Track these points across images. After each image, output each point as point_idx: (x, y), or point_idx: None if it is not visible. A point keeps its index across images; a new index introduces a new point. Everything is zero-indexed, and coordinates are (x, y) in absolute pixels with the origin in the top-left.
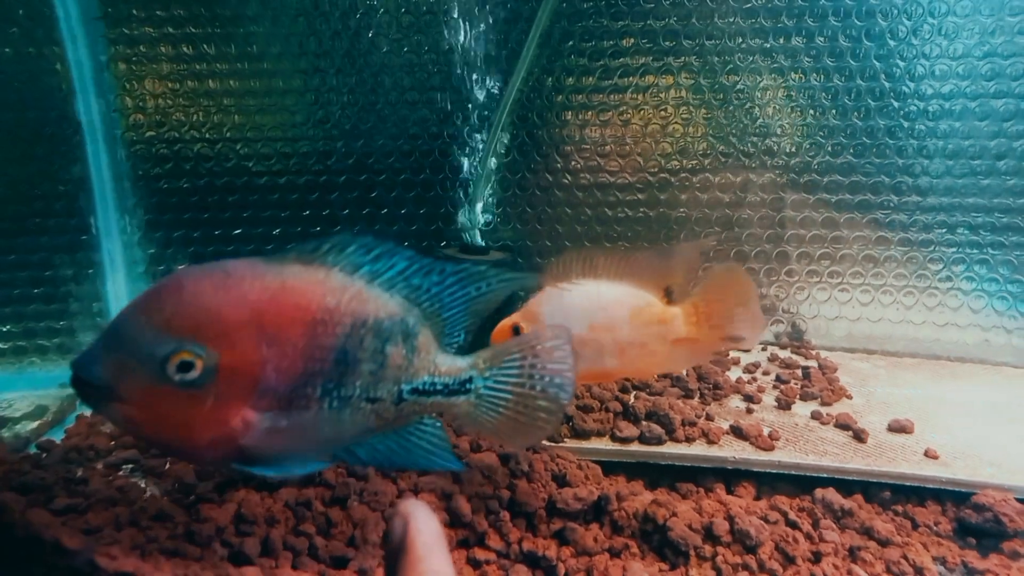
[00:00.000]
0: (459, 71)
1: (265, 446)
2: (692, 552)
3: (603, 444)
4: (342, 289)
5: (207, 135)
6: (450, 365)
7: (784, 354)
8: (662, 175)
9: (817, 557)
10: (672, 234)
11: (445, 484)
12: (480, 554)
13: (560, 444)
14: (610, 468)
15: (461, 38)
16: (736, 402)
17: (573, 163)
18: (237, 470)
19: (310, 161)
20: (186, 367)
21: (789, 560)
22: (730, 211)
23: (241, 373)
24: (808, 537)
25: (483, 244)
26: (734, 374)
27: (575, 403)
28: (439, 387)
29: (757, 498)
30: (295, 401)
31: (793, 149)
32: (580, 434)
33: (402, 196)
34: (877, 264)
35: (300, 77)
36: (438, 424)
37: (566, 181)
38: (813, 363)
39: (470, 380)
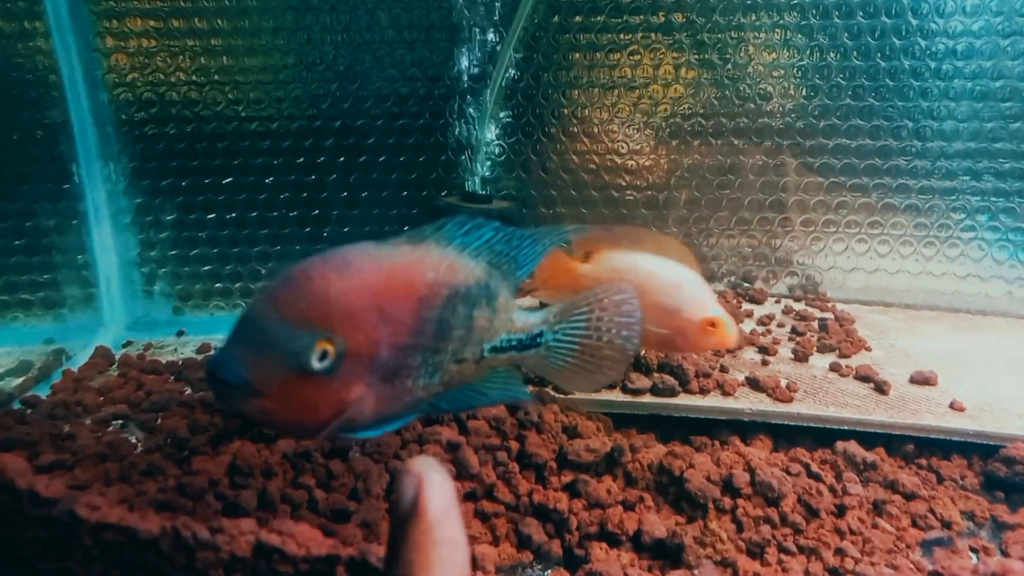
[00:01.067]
0: (460, 5)
1: (371, 413)
2: (711, 505)
3: (614, 396)
4: (440, 263)
5: (194, 77)
6: (524, 322)
7: (799, 306)
8: (673, 120)
9: (841, 510)
10: (683, 182)
11: (451, 435)
12: (488, 507)
13: (570, 396)
14: (621, 421)
15: None
16: (751, 354)
17: (580, 108)
18: (344, 437)
19: (303, 105)
20: (323, 355)
21: (813, 513)
22: (744, 158)
23: (365, 353)
24: (832, 490)
25: (485, 192)
26: (748, 326)
27: None
28: (514, 343)
29: (775, 451)
30: (400, 371)
31: (812, 92)
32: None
33: (400, 143)
34: (897, 213)
35: (291, 15)
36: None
37: (573, 128)
38: (829, 315)
39: (540, 335)
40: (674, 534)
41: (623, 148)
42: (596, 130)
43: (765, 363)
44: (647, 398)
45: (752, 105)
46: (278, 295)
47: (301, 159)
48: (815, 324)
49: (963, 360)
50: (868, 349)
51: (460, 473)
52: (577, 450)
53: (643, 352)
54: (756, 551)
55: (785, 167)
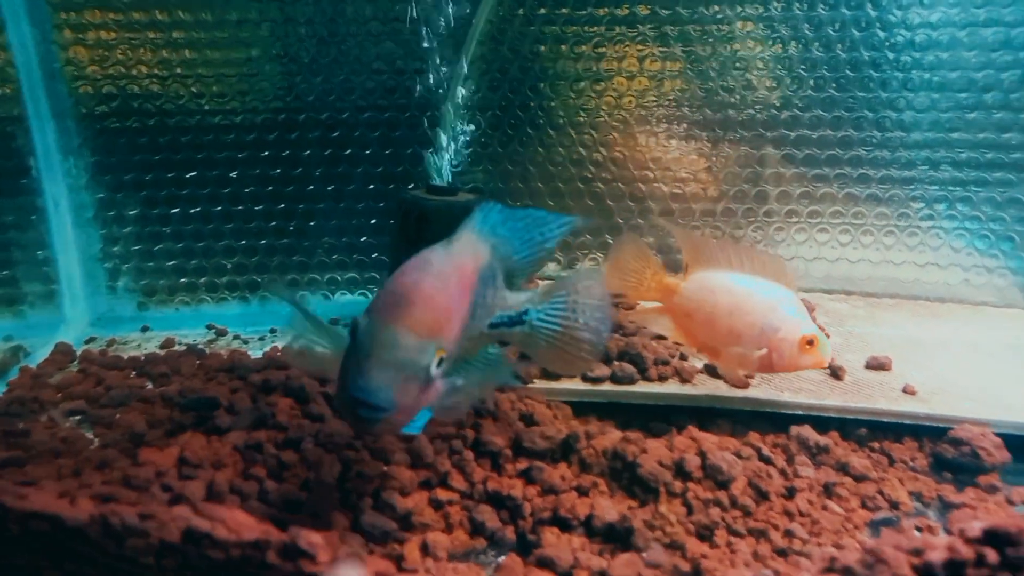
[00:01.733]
0: None
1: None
2: (662, 488)
3: (574, 384)
4: (476, 252)
5: (156, 70)
6: (514, 299)
7: None
8: (639, 112)
9: (791, 493)
10: (649, 176)
11: None
12: (443, 494)
13: (530, 385)
14: (581, 409)
15: None
16: None
17: (546, 100)
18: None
19: (267, 99)
20: (440, 361)
21: (762, 496)
22: (709, 146)
23: (450, 349)
24: (782, 473)
25: (452, 185)
26: None
27: None
28: (505, 320)
29: (732, 436)
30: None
31: (773, 84)
32: (550, 375)
33: (366, 135)
34: (858, 203)
35: (255, 8)
36: (498, 349)
37: (539, 120)
38: None
39: (527, 312)
40: (624, 518)
41: (589, 140)
42: (562, 122)
43: None
44: (606, 386)
45: (717, 97)
46: (402, 314)
47: (266, 153)
48: None
49: (919, 346)
50: (826, 336)
51: (415, 462)
52: (532, 437)
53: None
54: (705, 533)
55: (749, 158)
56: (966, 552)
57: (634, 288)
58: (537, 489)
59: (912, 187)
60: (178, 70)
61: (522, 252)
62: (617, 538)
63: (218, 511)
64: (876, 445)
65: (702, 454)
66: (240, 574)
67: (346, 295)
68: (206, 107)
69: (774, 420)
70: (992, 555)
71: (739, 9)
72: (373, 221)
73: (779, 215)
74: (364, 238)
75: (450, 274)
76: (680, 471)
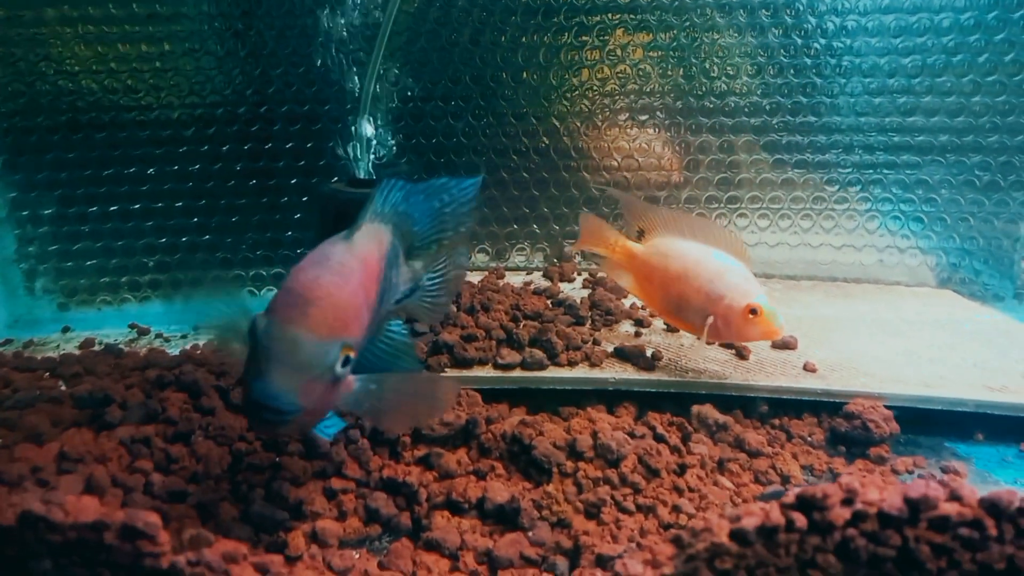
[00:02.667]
0: None
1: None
2: (555, 469)
3: (484, 372)
4: (379, 239)
5: (66, 67)
6: (413, 270)
7: None
8: (561, 105)
9: (682, 469)
10: (572, 165)
11: None
12: (337, 484)
13: (441, 374)
14: (493, 396)
15: None
16: (627, 327)
17: (468, 91)
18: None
19: (183, 93)
20: (346, 360)
21: (652, 472)
22: (632, 135)
23: (358, 344)
24: (676, 450)
25: (373, 177)
26: (629, 301)
27: (459, 333)
28: (407, 293)
29: (638, 418)
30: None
31: (691, 72)
32: (461, 363)
33: (286, 129)
34: (775, 188)
35: (167, 2)
36: (404, 331)
37: (461, 109)
38: None
39: (420, 280)
40: (513, 499)
41: (511, 130)
42: (483, 112)
43: (638, 335)
44: (516, 372)
45: (637, 87)
46: (302, 314)
47: (183, 149)
48: None
49: (827, 325)
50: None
51: (309, 453)
52: (431, 424)
53: (517, 329)
54: (593, 511)
55: (668, 145)
56: (776, 518)
57: (608, 253)
58: (434, 475)
59: (826, 171)
60: (90, 66)
61: (423, 223)
62: (506, 519)
63: (57, 495)
64: (777, 421)
65: (595, 435)
66: (81, 558)
67: (272, 290)
68: (120, 103)
69: (678, 400)
70: (800, 519)
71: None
72: (297, 216)
73: (699, 202)
74: (289, 233)
75: (353, 267)
76: (573, 452)
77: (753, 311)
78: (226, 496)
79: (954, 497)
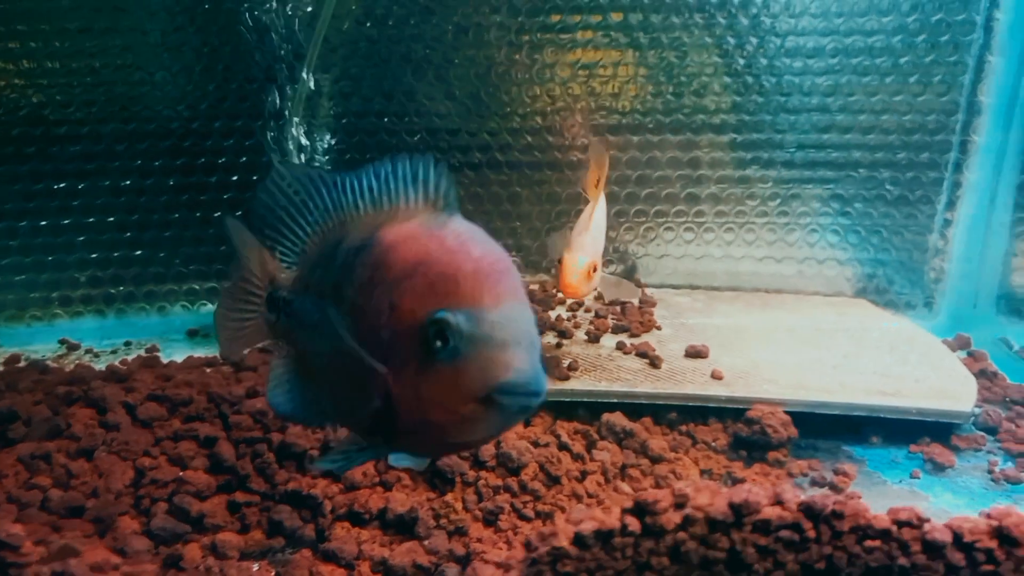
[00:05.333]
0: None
1: None
2: (458, 478)
3: None
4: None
5: None
6: None
7: None
8: (493, 121)
9: (584, 476)
10: (506, 180)
11: (210, 430)
12: (241, 497)
13: None
14: None
15: None
16: (549, 338)
17: (400, 107)
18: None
19: (114, 108)
20: None
21: (553, 480)
22: (562, 149)
23: None
24: (579, 458)
25: None
26: (555, 312)
27: None
28: None
29: (551, 427)
30: None
31: (616, 89)
32: None
33: (220, 144)
34: (699, 202)
35: (97, 17)
36: None
37: (395, 125)
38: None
39: None
40: (412, 509)
41: (444, 145)
42: (417, 128)
43: (559, 345)
44: None
45: (565, 102)
46: (510, 289)
47: (116, 164)
48: (618, 308)
49: (743, 334)
50: (659, 328)
51: (214, 467)
52: (337, 436)
53: None
54: (491, 518)
55: (599, 160)
56: (612, 522)
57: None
58: (340, 487)
59: (747, 186)
60: (17, 81)
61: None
62: (405, 528)
63: None
64: (684, 428)
65: (498, 444)
66: None
67: (206, 305)
68: (51, 117)
69: (591, 408)
70: (634, 524)
71: (584, 18)
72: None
73: (628, 215)
74: (223, 247)
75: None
76: (476, 461)
77: (559, 260)
78: (127, 510)
79: (778, 502)
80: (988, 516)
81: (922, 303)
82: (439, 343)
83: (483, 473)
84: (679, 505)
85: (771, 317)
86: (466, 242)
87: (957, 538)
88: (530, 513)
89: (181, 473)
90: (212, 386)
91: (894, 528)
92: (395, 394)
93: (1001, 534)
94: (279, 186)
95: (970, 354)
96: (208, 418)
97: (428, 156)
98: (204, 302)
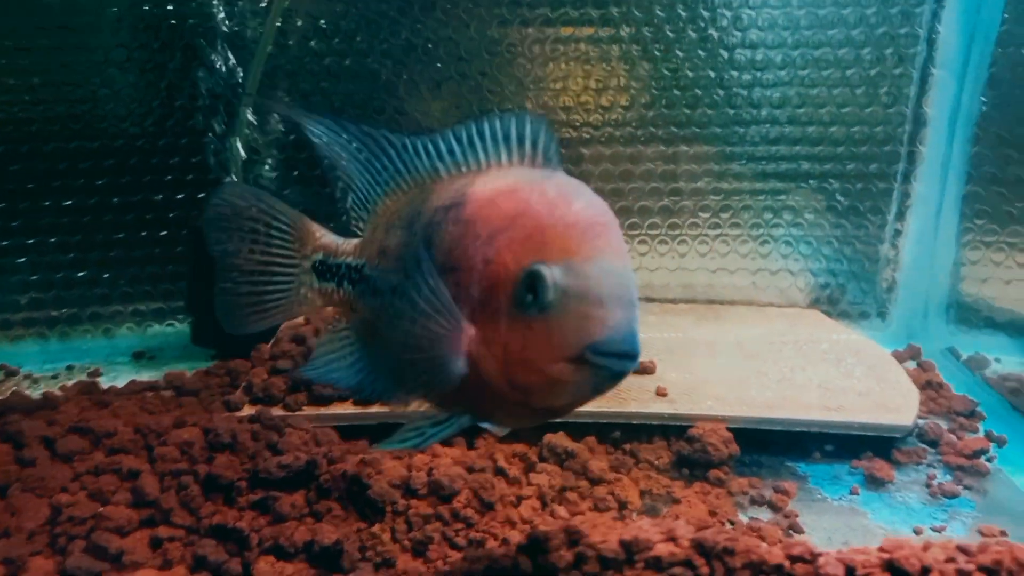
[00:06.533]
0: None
1: None
2: (389, 508)
3: (344, 409)
4: None
5: None
6: None
7: None
8: (449, 113)
9: (519, 500)
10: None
11: (134, 462)
12: (164, 532)
13: (297, 412)
14: (353, 433)
15: None
16: None
17: (362, 100)
18: None
19: (55, 127)
20: None
21: (487, 506)
22: None
23: None
24: (515, 482)
25: None
26: None
27: None
28: None
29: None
30: None
31: (568, 102)
32: (320, 400)
33: (165, 162)
34: (652, 215)
35: (42, 35)
36: None
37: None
38: None
39: None
40: (338, 541)
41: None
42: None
43: None
44: (376, 408)
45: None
46: (610, 245)
47: (57, 183)
48: None
49: (692, 348)
50: None
51: (136, 501)
52: (269, 468)
53: None
54: (420, 548)
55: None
56: (504, 563)
57: None
58: (268, 519)
59: (700, 198)
60: None
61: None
62: (331, 562)
63: None
64: (628, 446)
65: (430, 471)
66: None
67: (153, 326)
68: None
69: (535, 429)
70: (526, 563)
71: (527, 31)
72: (179, 249)
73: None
74: (171, 267)
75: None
76: (408, 489)
77: None
78: (41, 550)
79: (670, 538)
80: (881, 549)
81: (875, 313)
82: (530, 297)
83: (414, 501)
84: (572, 542)
85: (722, 330)
86: (567, 194)
87: (850, 571)
88: (462, 541)
89: (101, 509)
90: (143, 415)
91: (787, 563)
92: (480, 354)
93: (893, 567)
94: (340, 137)
95: (919, 365)
96: (133, 450)
97: (524, 113)
98: (152, 323)
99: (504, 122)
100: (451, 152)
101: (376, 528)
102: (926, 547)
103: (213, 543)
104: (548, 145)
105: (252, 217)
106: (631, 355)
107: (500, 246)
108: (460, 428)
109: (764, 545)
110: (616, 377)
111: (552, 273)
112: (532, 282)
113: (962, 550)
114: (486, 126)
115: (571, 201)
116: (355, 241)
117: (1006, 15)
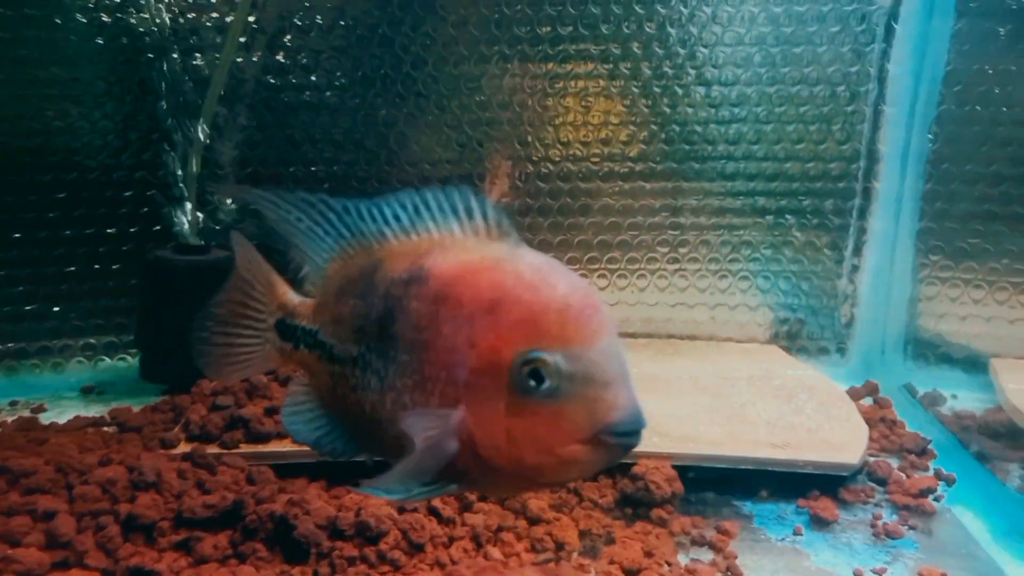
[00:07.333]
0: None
1: None
2: (313, 550)
3: (282, 447)
4: None
5: None
6: None
7: None
8: (390, 168)
9: (451, 542)
10: None
11: (50, 503)
12: (77, 575)
13: (234, 450)
14: (291, 471)
15: None
16: None
17: (302, 155)
18: None
19: (5, 159)
20: None
21: (416, 548)
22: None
23: None
24: (448, 522)
25: (202, 243)
26: None
27: (264, 404)
28: None
29: None
30: None
31: (526, 139)
32: (258, 438)
33: (119, 195)
34: (611, 249)
35: (8, 66)
36: None
37: (301, 173)
38: None
39: None
40: None
41: (353, 194)
42: (322, 176)
43: None
44: None
45: (460, 152)
46: (604, 326)
47: (7, 216)
48: None
49: (645, 383)
50: None
51: (50, 543)
52: (193, 507)
53: None
54: None
55: (507, 210)
56: None
57: None
58: (190, 560)
59: (658, 232)
60: None
61: None
62: None
63: None
64: (572, 485)
65: (357, 511)
66: None
67: (104, 360)
68: None
69: None
70: None
71: (482, 67)
72: (133, 282)
73: None
74: (123, 300)
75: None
76: (335, 530)
77: None
78: None
79: None
80: None
81: (835, 349)
82: (533, 383)
83: (339, 543)
84: None
85: (678, 365)
86: (548, 276)
87: None
88: None
89: (9, 551)
90: (71, 452)
91: None
92: (477, 437)
93: None
94: (279, 208)
95: (876, 401)
96: (52, 489)
97: (466, 189)
98: (103, 357)
99: (448, 195)
100: (397, 218)
101: (297, 571)
102: None
103: None
104: (500, 219)
105: (237, 268)
106: (639, 430)
107: (485, 329)
108: (446, 492)
109: None
110: (628, 450)
111: (555, 360)
112: (534, 368)
113: None
114: (430, 197)
115: (556, 283)
116: (311, 302)
117: (951, 54)
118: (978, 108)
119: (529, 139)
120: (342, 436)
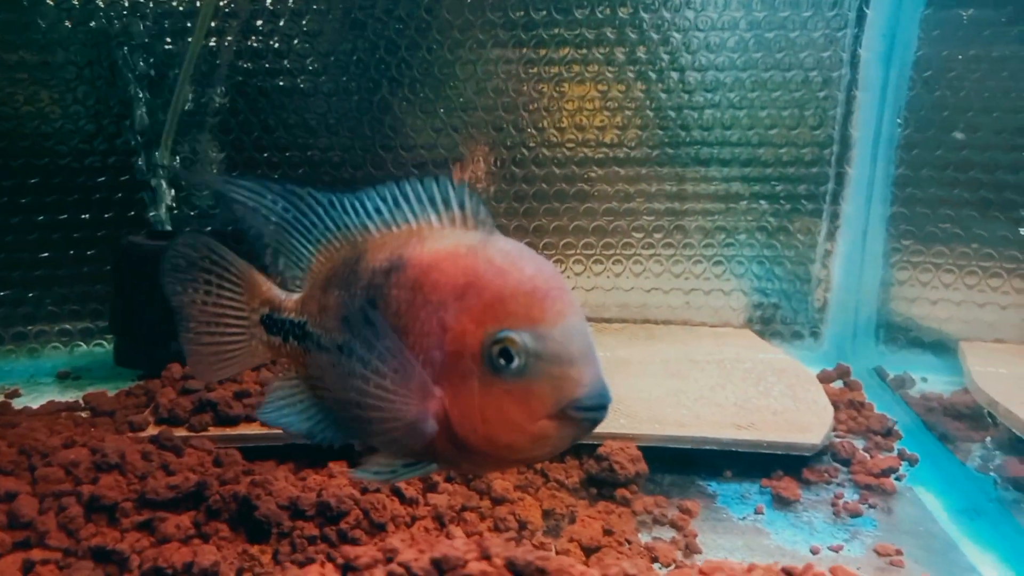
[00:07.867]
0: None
1: None
2: (275, 529)
3: (250, 430)
4: None
5: None
6: None
7: None
8: (365, 153)
9: (413, 521)
10: None
11: (12, 484)
12: (38, 555)
13: (202, 433)
14: (259, 453)
15: None
16: None
17: (283, 140)
18: None
19: None
20: None
21: (377, 527)
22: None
23: None
24: (411, 502)
25: (174, 229)
26: None
27: (234, 388)
28: None
29: None
30: None
31: (502, 126)
32: (226, 421)
33: (91, 180)
34: (587, 234)
35: None
36: None
37: (274, 159)
38: None
39: None
40: (216, 563)
41: (327, 179)
42: (297, 160)
43: None
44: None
45: (444, 138)
46: (570, 305)
47: None
48: None
49: (617, 367)
50: None
51: (11, 523)
52: (156, 488)
53: None
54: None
55: (485, 196)
56: None
57: None
58: (151, 540)
59: (633, 218)
60: None
61: None
62: None
63: None
64: (539, 466)
65: (320, 492)
66: None
67: (81, 346)
68: None
69: None
70: None
71: (458, 53)
72: (108, 268)
73: None
74: (98, 286)
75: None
76: (296, 510)
77: None
78: None
79: (484, 556)
80: (700, 571)
81: (808, 332)
82: (503, 361)
83: (300, 523)
84: (388, 559)
85: (650, 349)
86: (517, 260)
87: None
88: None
89: None
90: (40, 435)
91: None
92: (452, 415)
93: None
94: (260, 205)
95: (846, 384)
96: (16, 472)
97: (444, 178)
98: (79, 343)
99: (427, 185)
100: (378, 211)
101: (256, 550)
102: (750, 569)
103: (90, 565)
104: (477, 207)
105: (205, 268)
106: (606, 405)
107: (457, 312)
108: (428, 471)
109: (578, 567)
110: (594, 425)
111: (522, 339)
112: (503, 348)
113: (787, 572)
114: (408, 188)
115: (524, 266)
116: (296, 296)
117: (920, 40)
118: (947, 94)
119: (504, 125)
120: (333, 424)
